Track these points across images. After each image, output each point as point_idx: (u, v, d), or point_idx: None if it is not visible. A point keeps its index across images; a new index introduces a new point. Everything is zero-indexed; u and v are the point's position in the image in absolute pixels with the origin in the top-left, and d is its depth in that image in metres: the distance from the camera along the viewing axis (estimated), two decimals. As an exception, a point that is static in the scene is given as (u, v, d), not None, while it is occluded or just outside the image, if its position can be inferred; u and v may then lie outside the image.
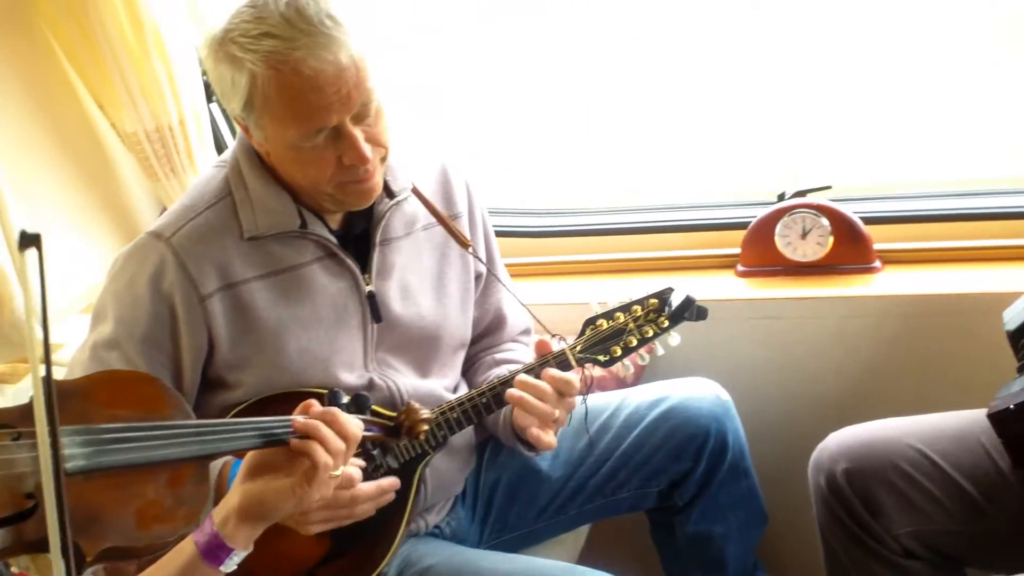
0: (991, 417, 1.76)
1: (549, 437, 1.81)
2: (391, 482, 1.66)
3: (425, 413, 1.65)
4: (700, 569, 2.15)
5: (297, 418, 1.40)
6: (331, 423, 1.40)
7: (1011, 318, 1.86)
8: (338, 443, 1.38)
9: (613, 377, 2.35)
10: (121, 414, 1.23)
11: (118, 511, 1.16)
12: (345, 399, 1.51)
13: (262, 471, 1.38)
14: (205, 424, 1.31)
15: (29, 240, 0.94)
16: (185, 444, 1.26)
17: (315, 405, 1.44)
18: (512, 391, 1.79)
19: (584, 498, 2.10)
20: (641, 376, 2.37)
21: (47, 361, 0.94)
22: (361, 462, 1.59)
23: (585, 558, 2.24)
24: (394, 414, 1.67)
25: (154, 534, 1.19)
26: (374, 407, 1.61)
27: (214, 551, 1.33)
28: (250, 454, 1.40)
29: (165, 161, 2.41)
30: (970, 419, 1.95)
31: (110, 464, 1.17)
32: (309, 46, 1.60)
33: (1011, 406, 1.69)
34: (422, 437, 1.66)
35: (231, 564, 1.35)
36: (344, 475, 1.49)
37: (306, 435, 1.38)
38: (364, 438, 1.53)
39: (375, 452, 1.61)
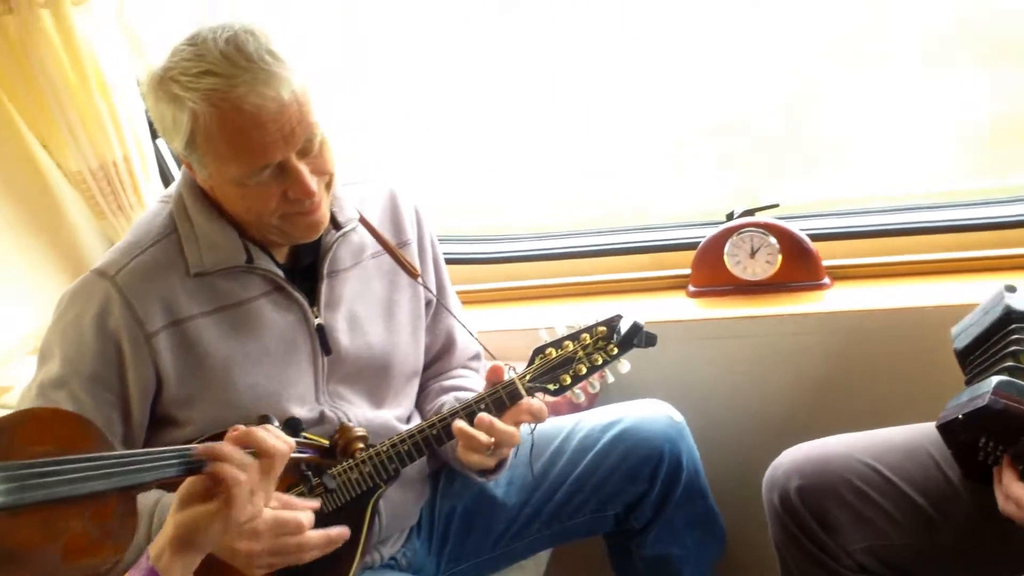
0: (940, 428, 1.77)
1: (478, 458, 1.81)
2: (340, 532, 1.64)
3: (359, 431, 1.65)
4: (659, 591, 2.15)
5: (198, 444, 1.40)
6: (247, 440, 1.40)
7: (959, 335, 1.87)
8: (243, 457, 1.38)
9: (567, 401, 2.34)
10: (42, 450, 1.22)
11: (43, 546, 1.16)
12: (276, 423, 1.51)
13: (192, 500, 1.38)
14: (126, 455, 1.30)
15: None
16: (108, 476, 1.25)
17: (240, 428, 1.44)
18: (456, 424, 1.79)
19: (540, 524, 2.09)
20: (596, 399, 2.37)
21: None
22: (315, 503, 1.58)
23: (549, 582, 2.25)
24: (355, 458, 1.67)
25: (81, 567, 1.18)
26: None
27: None
28: (182, 485, 1.40)
29: (112, 198, 2.40)
30: (920, 432, 1.96)
31: (33, 500, 1.16)
32: (250, 83, 1.60)
33: (959, 416, 1.71)
34: (358, 456, 1.66)
35: None
36: (292, 521, 1.49)
37: (210, 457, 1.37)
38: (298, 460, 1.54)
39: (309, 473, 1.60)
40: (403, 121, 3.18)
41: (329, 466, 1.68)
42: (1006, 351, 1.73)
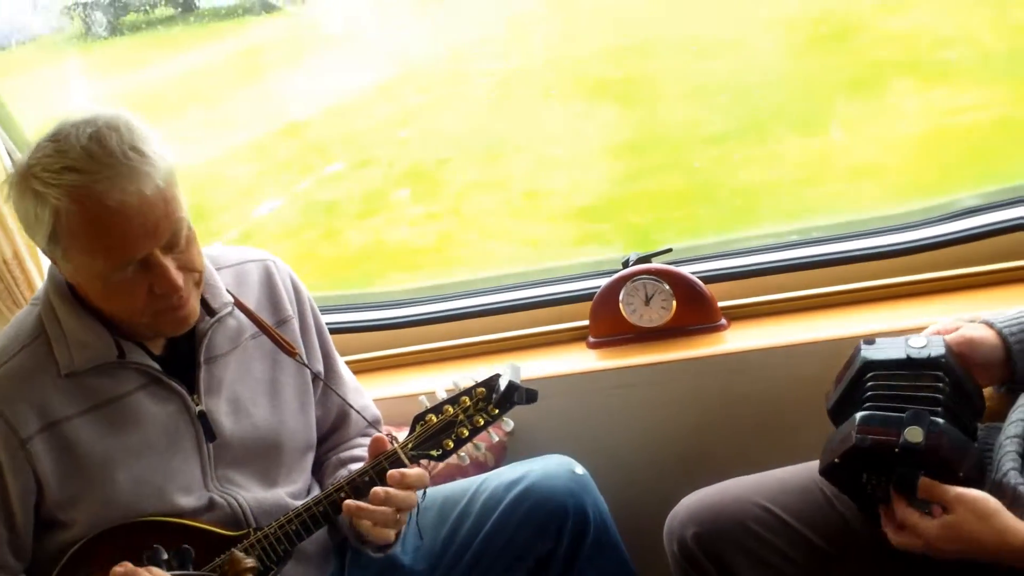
0: (823, 474, 1.78)
1: (383, 532, 1.81)
2: None
3: (249, 562, 1.64)
4: (578, 646, 2.14)
5: None
6: None
7: (830, 397, 1.89)
8: None
9: (474, 462, 2.35)
10: None
11: None
12: (165, 555, 1.50)
13: None
14: None
15: None
16: None
17: (126, 566, 1.42)
18: (348, 502, 1.79)
19: (452, 588, 2.09)
20: (502, 457, 2.38)
21: None
22: None
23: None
24: (241, 543, 1.65)
25: None
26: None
27: None
28: None
29: (6, 295, 2.40)
30: (811, 470, 1.96)
31: None
32: (112, 178, 1.61)
33: (835, 459, 1.72)
34: None
35: None
36: None
37: None
38: None
39: None
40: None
41: None
42: (864, 396, 1.75)
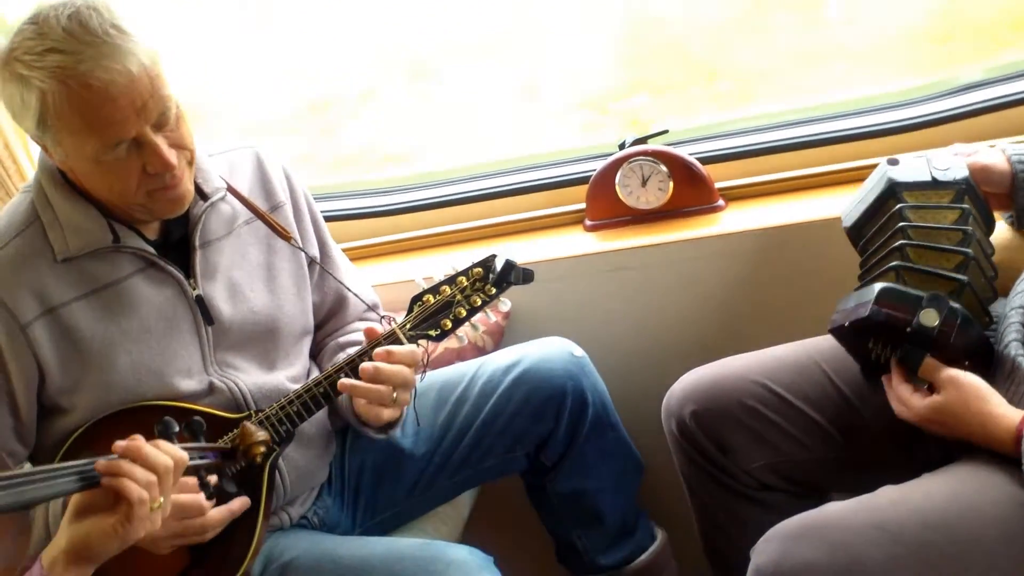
0: (832, 332, 1.79)
1: (380, 411, 1.82)
2: (241, 503, 1.65)
3: (260, 435, 1.64)
4: (578, 524, 2.17)
5: (100, 460, 1.38)
6: (136, 457, 1.39)
7: (847, 214, 1.89)
8: (147, 475, 1.36)
9: (472, 346, 2.35)
10: None
11: None
12: (176, 428, 1.50)
13: (87, 512, 1.36)
14: (18, 475, 1.29)
15: None
16: (3, 496, 1.24)
17: (137, 439, 1.42)
18: (343, 381, 1.79)
19: (452, 470, 2.11)
20: (500, 341, 2.38)
21: None
22: (212, 478, 1.58)
23: (471, 528, 2.27)
24: (230, 436, 1.67)
25: None
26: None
27: None
28: (76, 496, 1.38)
29: (-1, 188, 2.37)
30: (809, 347, 1.99)
31: None
32: (95, 57, 1.58)
33: (845, 323, 1.73)
34: (259, 460, 1.65)
35: None
36: (194, 504, 1.48)
37: (111, 474, 1.36)
38: (199, 466, 1.52)
39: (209, 479, 1.58)
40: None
41: (229, 469, 1.67)
42: (893, 245, 1.75)
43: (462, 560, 1.81)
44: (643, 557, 2.21)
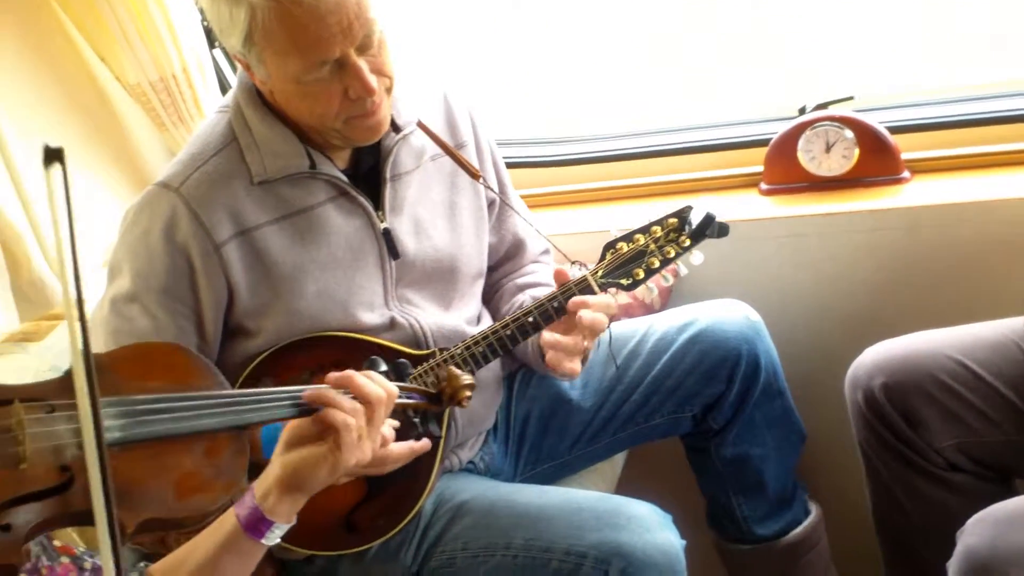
0: None
1: (574, 365, 1.78)
2: (423, 445, 1.62)
3: (467, 379, 1.61)
4: (740, 491, 2.12)
5: (308, 388, 1.37)
6: (349, 386, 1.37)
7: None
8: (353, 404, 1.35)
9: (640, 303, 2.31)
10: (152, 385, 1.20)
11: (156, 482, 1.15)
12: (383, 367, 1.47)
13: (300, 442, 1.35)
14: (238, 394, 1.29)
15: (52, 155, 0.91)
16: (219, 414, 1.24)
17: (347, 371, 1.40)
18: (546, 338, 1.77)
19: (617, 426, 2.08)
20: (668, 301, 2.34)
21: (80, 307, 0.90)
22: (395, 422, 1.55)
23: (623, 485, 2.23)
24: (427, 362, 1.67)
25: (193, 505, 1.17)
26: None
27: (255, 524, 1.31)
28: (288, 426, 1.37)
29: (172, 110, 2.37)
30: (1008, 327, 1.91)
31: (146, 435, 1.15)
32: None
33: None
34: (465, 404, 1.62)
35: (273, 537, 1.32)
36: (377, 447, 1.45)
37: (320, 403, 1.34)
38: (405, 406, 1.50)
39: (416, 420, 1.55)
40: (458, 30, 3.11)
41: (435, 412, 1.63)
42: None
43: (643, 516, 1.77)
44: (798, 530, 2.16)
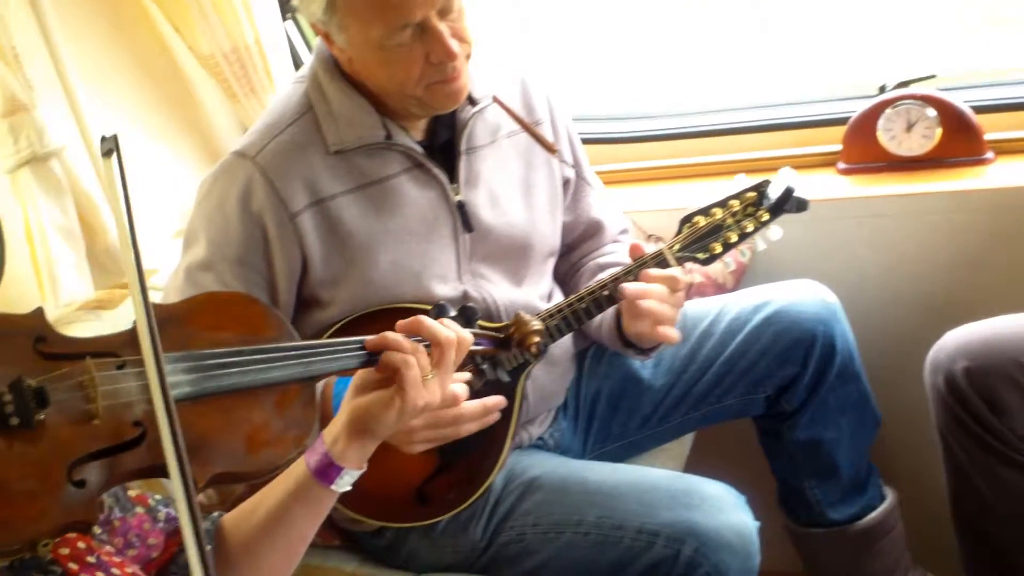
0: None
1: (673, 332, 1.75)
2: (496, 401, 1.59)
3: (536, 324, 1.59)
4: (813, 475, 2.09)
5: (369, 338, 1.35)
6: (418, 330, 1.35)
7: None
8: (414, 344, 1.33)
9: (712, 283, 2.28)
10: (223, 337, 1.20)
11: (226, 436, 1.14)
12: (452, 312, 1.46)
13: (368, 387, 1.34)
14: (307, 345, 1.28)
15: (109, 144, 0.90)
16: (289, 366, 1.23)
17: (423, 320, 1.38)
18: (626, 286, 1.73)
19: (688, 406, 2.05)
20: (741, 281, 2.30)
21: (141, 279, 0.90)
22: (466, 375, 1.54)
23: (691, 466, 2.20)
24: (503, 324, 1.62)
25: (264, 458, 1.16)
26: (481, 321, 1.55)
27: (325, 470, 1.30)
28: (358, 373, 1.36)
29: (244, 82, 2.37)
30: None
31: (215, 389, 1.14)
32: None
33: None
34: (534, 350, 1.60)
35: (343, 484, 1.32)
36: (447, 393, 1.44)
37: (380, 347, 1.33)
38: (473, 352, 1.48)
39: (485, 367, 1.54)
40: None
41: (504, 358, 1.62)
42: None
43: (717, 496, 1.75)
44: (872, 515, 2.12)
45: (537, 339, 1.58)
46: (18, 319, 1.09)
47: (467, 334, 1.40)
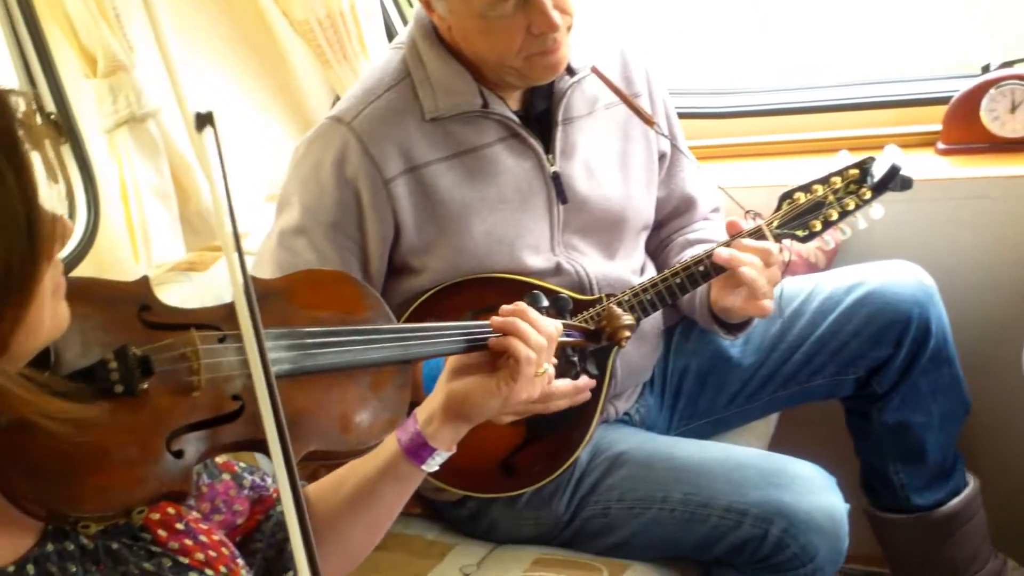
0: None
1: (767, 303, 1.72)
2: (587, 382, 1.58)
3: (627, 319, 1.57)
4: (899, 459, 2.05)
5: (475, 324, 1.34)
6: (525, 319, 1.34)
7: None
8: (538, 338, 1.31)
9: (804, 262, 2.25)
10: (321, 315, 1.20)
11: (321, 415, 1.14)
12: (545, 302, 1.44)
13: (466, 371, 1.33)
14: (407, 328, 1.28)
15: (204, 120, 0.90)
16: (387, 348, 1.22)
17: (519, 305, 1.37)
18: (721, 251, 1.70)
19: (777, 385, 2.02)
20: (834, 260, 2.26)
21: (239, 249, 0.90)
22: (553, 359, 1.53)
23: (775, 445, 2.17)
24: (593, 306, 1.62)
25: (356, 438, 1.16)
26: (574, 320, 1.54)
27: (417, 450, 1.30)
28: (453, 356, 1.36)
29: (337, 47, 2.38)
30: None
31: (314, 367, 1.14)
32: None
33: None
34: (624, 344, 1.59)
35: (433, 464, 1.31)
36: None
37: (505, 332, 1.32)
38: (564, 344, 1.47)
39: (575, 358, 1.52)
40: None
41: (594, 350, 1.60)
42: None
43: (807, 476, 1.73)
44: (955, 502, 2.08)
45: (627, 333, 1.57)
46: (125, 286, 1.09)
47: (558, 324, 1.39)
